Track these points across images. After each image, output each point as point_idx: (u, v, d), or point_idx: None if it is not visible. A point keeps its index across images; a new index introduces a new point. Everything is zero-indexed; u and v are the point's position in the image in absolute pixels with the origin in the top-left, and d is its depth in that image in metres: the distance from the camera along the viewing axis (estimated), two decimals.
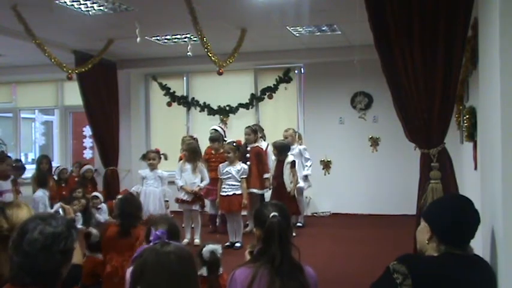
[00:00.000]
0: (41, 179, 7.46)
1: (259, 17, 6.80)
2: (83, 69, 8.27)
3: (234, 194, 6.70)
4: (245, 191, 6.78)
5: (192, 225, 7.22)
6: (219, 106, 10.07)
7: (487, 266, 2.41)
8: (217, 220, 7.90)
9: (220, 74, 7.23)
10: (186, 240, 6.90)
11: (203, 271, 3.73)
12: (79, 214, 7.92)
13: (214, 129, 8.17)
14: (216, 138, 7.83)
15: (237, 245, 6.66)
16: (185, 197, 6.97)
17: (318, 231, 7.91)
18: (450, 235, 2.32)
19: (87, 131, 11.03)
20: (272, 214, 2.48)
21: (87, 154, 11.35)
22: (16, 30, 6.68)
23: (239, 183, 6.73)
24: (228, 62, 7.39)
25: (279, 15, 6.73)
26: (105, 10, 6.41)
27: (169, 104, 10.36)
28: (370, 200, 8.98)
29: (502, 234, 2.41)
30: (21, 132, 11.49)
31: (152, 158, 7.00)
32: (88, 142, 11.36)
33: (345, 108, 9.23)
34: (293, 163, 7.40)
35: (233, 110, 9.98)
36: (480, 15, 3.41)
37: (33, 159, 11.59)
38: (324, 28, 7.59)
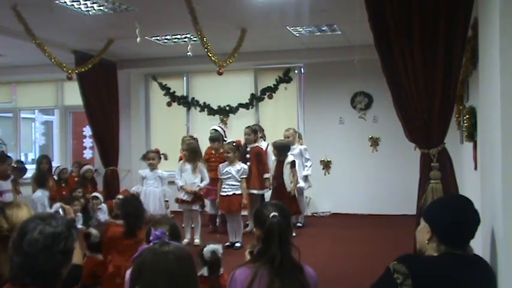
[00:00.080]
0: (40, 179, 7.45)
1: (259, 17, 6.80)
2: (83, 69, 8.27)
3: (234, 194, 6.70)
4: (245, 191, 6.78)
5: (192, 225, 7.23)
6: (219, 106, 10.06)
7: (487, 266, 2.41)
8: (217, 220, 7.90)
9: (220, 74, 7.23)
10: (186, 240, 6.89)
11: (204, 271, 3.73)
12: (79, 214, 7.93)
13: (214, 129, 8.17)
14: (216, 138, 7.83)
15: (237, 245, 6.67)
16: (185, 197, 6.97)
17: (318, 231, 7.91)
18: (450, 235, 2.32)
19: (87, 131, 11.03)
20: (272, 214, 2.48)
21: (87, 154, 11.35)
22: (16, 30, 6.68)
23: (239, 183, 6.74)
24: (228, 62, 7.39)
25: (279, 15, 6.73)
26: (105, 10, 6.41)
27: (169, 104, 10.36)
28: (370, 200, 8.98)
29: (502, 234, 2.41)
30: (21, 132, 11.48)
31: (152, 158, 7.00)
32: (88, 142, 11.36)
33: (345, 108, 9.23)
34: (293, 163, 7.40)
35: (233, 110, 9.98)
36: (480, 15, 3.41)
37: (33, 159, 11.58)
38: (324, 28, 7.59)
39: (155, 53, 9.08)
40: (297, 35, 7.92)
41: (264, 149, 7.70)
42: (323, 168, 9.36)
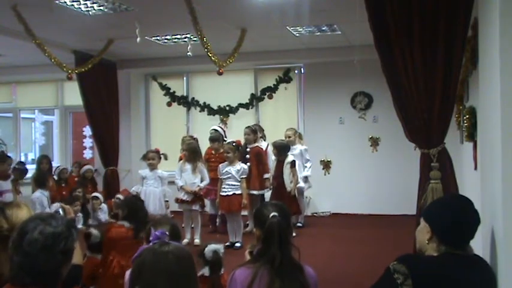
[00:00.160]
0: (40, 179, 7.44)
1: (259, 17, 6.80)
2: (83, 69, 8.27)
3: (234, 194, 6.71)
4: (245, 191, 6.78)
5: (192, 225, 7.23)
6: (219, 106, 10.06)
7: (487, 266, 2.41)
8: (217, 220, 7.90)
9: (220, 74, 7.23)
10: (186, 240, 6.89)
11: (204, 271, 3.72)
12: (80, 214, 7.94)
13: (214, 129, 8.17)
14: (216, 138, 7.83)
15: (237, 245, 6.66)
16: (185, 197, 6.97)
17: (318, 231, 7.91)
18: (450, 235, 2.32)
19: (87, 131, 11.03)
20: (272, 214, 2.48)
21: (87, 154, 11.35)
22: (16, 30, 6.68)
23: (239, 183, 6.74)
24: (228, 62, 7.39)
25: (279, 15, 6.73)
26: (105, 10, 6.41)
27: (169, 104, 10.36)
28: (370, 200, 8.98)
29: (502, 234, 2.41)
30: (21, 132, 11.48)
31: (152, 158, 7.00)
32: (88, 142, 11.36)
33: (345, 108, 9.23)
34: (293, 163, 7.40)
35: (233, 110, 9.98)
36: (480, 15, 3.41)
37: (33, 159, 11.58)
38: (324, 28, 7.59)
39: (155, 53, 9.08)
40: (297, 35, 7.92)
41: (264, 149, 7.70)
42: (323, 168, 9.36)
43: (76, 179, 9.31)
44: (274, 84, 9.79)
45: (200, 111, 10.22)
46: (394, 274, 2.19)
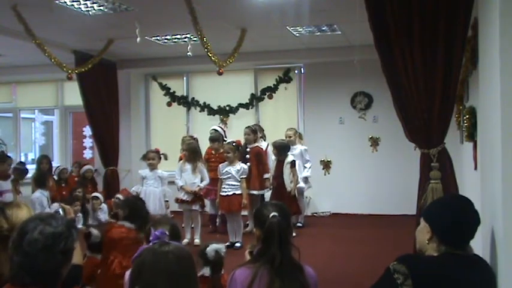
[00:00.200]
0: (39, 179, 7.44)
1: (259, 17, 6.79)
2: (83, 69, 8.27)
3: (234, 194, 6.70)
4: (245, 191, 6.78)
5: (192, 225, 7.22)
6: (219, 106, 10.06)
7: (487, 266, 2.41)
8: (217, 220, 7.90)
9: (220, 74, 7.23)
10: (186, 240, 6.89)
11: (205, 271, 3.72)
12: (80, 215, 7.94)
13: (214, 129, 8.17)
14: (216, 138, 7.83)
15: (237, 245, 6.66)
16: (185, 197, 6.97)
17: (318, 231, 7.91)
18: (450, 235, 2.32)
19: (87, 131, 11.02)
20: (272, 214, 2.48)
21: (87, 154, 11.34)
22: (16, 30, 6.68)
23: (239, 183, 6.73)
24: (228, 62, 7.39)
25: (279, 15, 6.73)
26: (105, 10, 6.41)
27: (169, 104, 10.36)
28: (370, 200, 8.98)
29: (502, 234, 2.41)
30: (21, 132, 11.48)
31: (152, 158, 7.00)
32: (88, 142, 11.36)
33: (345, 108, 9.23)
34: (293, 163, 7.40)
35: (233, 110, 9.98)
36: (480, 15, 3.41)
37: (33, 159, 11.58)
38: (324, 28, 7.59)
39: (155, 53, 9.08)
40: (297, 35, 7.92)
41: (264, 149, 7.70)
42: (323, 168, 9.36)
43: (76, 179, 9.32)
44: (274, 84, 9.79)
45: (200, 111, 10.22)
46: (394, 274, 2.19)
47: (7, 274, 2.02)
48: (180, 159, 7.53)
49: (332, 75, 9.23)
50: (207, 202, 7.64)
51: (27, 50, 7.67)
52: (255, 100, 9.90)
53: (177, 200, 7.06)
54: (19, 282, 1.91)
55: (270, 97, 9.84)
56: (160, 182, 6.97)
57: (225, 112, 10.01)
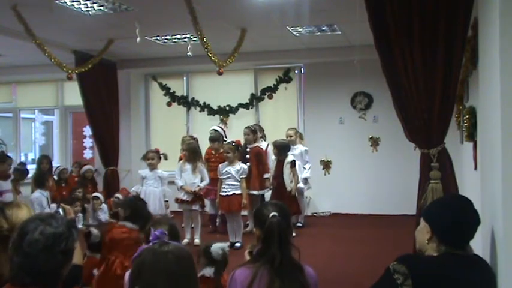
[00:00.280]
0: (38, 179, 7.44)
1: (259, 17, 6.79)
2: (83, 69, 8.27)
3: (234, 194, 6.70)
4: (245, 191, 6.78)
5: (192, 225, 7.22)
6: (219, 106, 10.06)
7: (487, 266, 2.41)
8: (217, 220, 7.90)
9: (220, 74, 7.23)
10: (186, 240, 6.89)
11: (205, 271, 3.70)
12: (80, 215, 7.95)
13: (214, 129, 8.17)
14: (216, 138, 7.83)
15: (237, 245, 6.66)
16: (185, 197, 6.97)
17: (318, 231, 7.90)
18: (450, 235, 2.32)
19: (87, 131, 11.02)
20: (272, 214, 2.48)
21: (87, 154, 11.34)
22: (16, 30, 6.68)
23: (239, 183, 6.73)
24: (228, 62, 7.39)
25: (279, 15, 6.73)
26: (105, 10, 6.41)
27: (169, 104, 10.36)
28: (370, 200, 8.98)
29: (502, 234, 2.41)
30: (21, 132, 11.48)
31: (151, 157, 7.00)
32: (88, 142, 11.36)
33: (345, 108, 9.22)
34: (293, 162, 7.39)
35: (233, 110, 9.98)
36: (480, 15, 3.41)
37: (33, 159, 11.59)
38: (324, 28, 7.59)
39: (155, 53, 9.08)
40: (297, 35, 7.92)
41: (264, 149, 7.70)
42: (323, 168, 9.36)
43: (76, 179, 9.32)
44: (274, 84, 9.79)
45: (200, 111, 10.22)
46: (394, 274, 2.19)
47: (7, 275, 2.02)
48: (180, 159, 7.53)
49: (332, 75, 9.23)
50: (207, 202, 7.64)
51: (27, 50, 7.67)
52: (255, 100, 9.90)
53: (177, 200, 7.06)
54: (19, 282, 1.91)
55: (270, 97, 9.84)
56: (160, 182, 6.97)
57: (225, 112, 10.01)
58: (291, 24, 7.33)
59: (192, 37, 7.74)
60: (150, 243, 1.99)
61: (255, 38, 7.77)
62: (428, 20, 3.69)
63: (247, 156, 7.46)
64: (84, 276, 3.71)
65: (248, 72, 9.91)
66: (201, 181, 7.01)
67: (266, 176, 7.43)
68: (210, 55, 6.88)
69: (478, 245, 2.86)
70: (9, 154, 8.82)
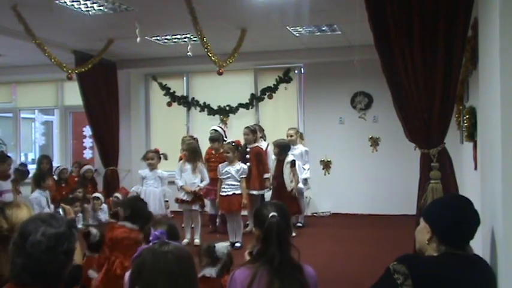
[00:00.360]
0: (38, 179, 7.44)
1: (259, 17, 6.79)
2: (83, 69, 8.27)
3: (234, 194, 6.70)
4: (245, 191, 6.78)
5: (192, 225, 7.22)
6: (219, 106, 10.06)
7: (487, 266, 2.41)
8: (217, 220, 7.90)
9: (220, 74, 7.23)
10: (186, 240, 6.89)
11: (206, 272, 3.69)
12: (80, 215, 7.95)
13: (214, 130, 8.17)
14: (216, 138, 7.83)
15: (237, 245, 6.66)
16: (185, 197, 6.97)
17: (318, 231, 7.90)
18: (450, 235, 2.32)
19: (87, 131, 11.02)
20: (271, 214, 2.48)
21: (87, 154, 11.34)
22: (16, 30, 6.68)
23: (239, 183, 6.73)
24: (228, 62, 7.39)
25: (279, 15, 6.73)
26: (105, 10, 6.41)
27: (169, 104, 10.36)
28: (370, 200, 8.97)
29: (502, 234, 2.41)
30: (21, 132, 11.48)
31: (151, 157, 7.00)
32: (88, 142, 11.36)
33: (345, 108, 9.22)
34: (293, 162, 7.39)
35: (233, 110, 9.98)
36: (480, 15, 3.41)
37: (33, 159, 11.59)
38: (324, 28, 7.59)
39: (155, 53, 9.08)
40: (297, 35, 7.92)
41: (264, 149, 7.70)
42: (323, 168, 9.36)
43: (76, 179, 9.32)
44: (274, 84, 9.79)
45: (200, 111, 10.22)
46: (394, 274, 2.19)
47: (7, 275, 2.02)
48: (180, 159, 7.53)
49: (332, 75, 9.23)
50: (207, 202, 7.64)
51: (27, 50, 7.67)
52: (255, 100, 9.90)
53: (177, 200, 7.06)
54: (20, 282, 1.91)
55: (270, 97, 9.84)
56: (160, 182, 6.97)
57: (225, 112, 10.01)
58: (291, 24, 7.33)
59: (192, 37, 7.74)
60: (150, 243, 1.99)
61: (255, 38, 7.77)
62: (428, 20, 3.69)
63: (247, 156, 7.46)
64: (84, 276, 3.71)
65: (248, 72, 9.91)
66: (201, 181, 7.01)
67: (266, 176, 7.43)
68: (210, 55, 6.88)
69: (478, 245, 2.86)
70: (9, 154, 8.82)
